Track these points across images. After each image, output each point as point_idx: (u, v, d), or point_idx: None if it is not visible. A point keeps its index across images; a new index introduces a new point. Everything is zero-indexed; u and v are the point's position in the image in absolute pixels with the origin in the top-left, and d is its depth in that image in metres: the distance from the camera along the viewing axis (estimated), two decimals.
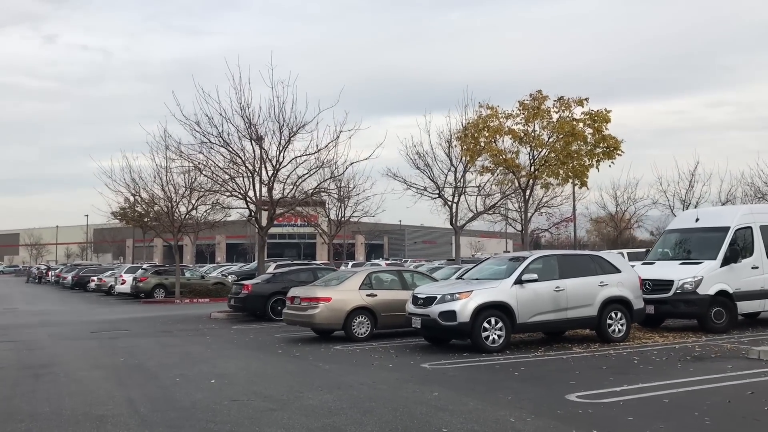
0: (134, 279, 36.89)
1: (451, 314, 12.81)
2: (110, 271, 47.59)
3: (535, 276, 13.33)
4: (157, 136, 24.35)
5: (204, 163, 23.68)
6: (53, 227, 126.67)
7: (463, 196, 28.31)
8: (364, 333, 15.30)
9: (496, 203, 29.34)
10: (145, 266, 42.79)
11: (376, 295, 15.55)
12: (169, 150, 24.14)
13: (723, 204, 35.24)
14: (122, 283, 38.66)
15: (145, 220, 39.81)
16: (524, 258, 13.94)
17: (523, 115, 18.52)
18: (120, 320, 22.95)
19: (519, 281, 13.29)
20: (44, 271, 72.08)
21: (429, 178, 27.82)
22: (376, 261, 65.12)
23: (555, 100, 18.35)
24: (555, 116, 18.41)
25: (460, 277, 14.87)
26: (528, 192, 19.37)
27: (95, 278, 46.03)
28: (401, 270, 17.17)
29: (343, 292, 15.40)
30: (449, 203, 27.90)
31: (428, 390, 9.29)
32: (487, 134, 18.37)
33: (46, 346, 15.95)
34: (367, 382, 10.03)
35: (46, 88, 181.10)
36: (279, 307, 19.76)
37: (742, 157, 74.92)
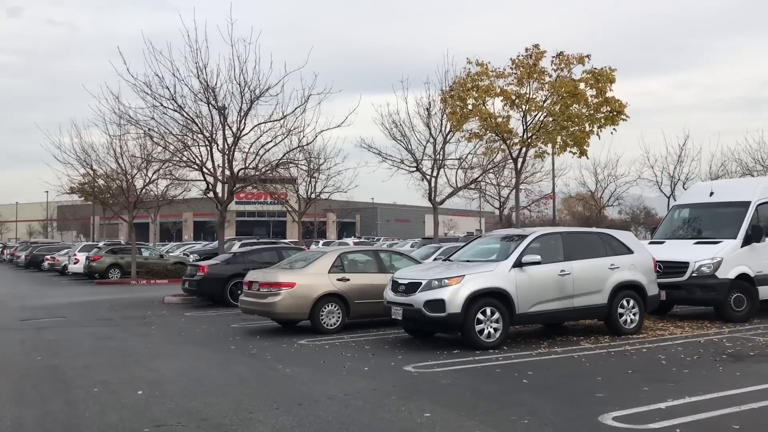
0: (87, 258, 34.22)
1: (438, 304, 10.64)
2: (66, 250, 44.73)
3: (537, 257, 11.21)
4: (110, 100, 21.56)
5: (155, 129, 21.08)
6: (13, 204, 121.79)
7: (442, 170, 26.15)
8: (335, 324, 13.10)
9: (480, 176, 27.25)
10: (100, 244, 40.07)
11: (348, 280, 13.33)
12: (118, 116, 21.36)
13: (713, 179, 33.57)
14: (75, 263, 35.99)
15: (106, 195, 36.97)
16: (524, 236, 11.80)
17: (515, 75, 16.28)
18: (61, 305, 20.45)
19: (518, 264, 11.16)
20: (0, 250, 68.70)
21: (406, 149, 25.60)
22: (345, 240, 62.31)
23: (554, 56, 16.11)
24: (551, 76, 16.18)
25: (447, 259, 12.68)
26: (520, 162, 17.23)
27: (49, 257, 43.22)
28: (377, 250, 14.93)
29: (309, 276, 13.15)
30: (427, 177, 25.71)
31: (416, 408, 7.12)
32: (476, 95, 16.11)
33: None
34: (338, 395, 7.83)
35: (11, 62, 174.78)
36: (238, 291, 17.37)
37: (709, 138, 74.29)
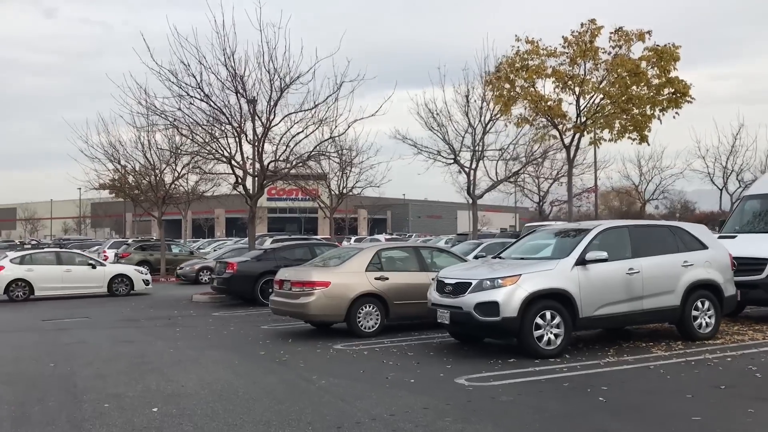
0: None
1: (492, 307, 9.42)
2: (96, 247, 44.43)
3: (604, 254, 9.91)
4: (135, 90, 20.68)
5: (182, 120, 20.14)
6: (48, 201, 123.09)
7: (481, 162, 24.87)
8: (373, 326, 11.95)
9: (523, 167, 25.85)
10: (129, 241, 39.55)
11: (387, 279, 12.17)
12: (144, 108, 20.45)
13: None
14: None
15: (136, 192, 36.31)
16: (586, 230, 10.50)
17: (567, 54, 14.90)
18: (85, 304, 19.66)
19: (582, 261, 9.88)
20: (34, 246, 69.12)
21: (443, 140, 24.34)
22: (376, 236, 60.66)
23: (612, 32, 14.68)
24: (606, 55, 14.76)
25: (497, 256, 11.42)
26: (573, 150, 15.84)
27: None
28: (418, 246, 13.74)
29: (345, 275, 12.02)
30: (465, 169, 24.44)
31: None
32: (525, 75, 14.78)
33: None
34: (383, 414, 6.68)
35: (47, 62, 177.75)
36: (270, 290, 16.35)
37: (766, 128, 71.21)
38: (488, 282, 9.60)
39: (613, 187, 49.01)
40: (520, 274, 9.59)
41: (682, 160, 38.52)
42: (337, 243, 24.22)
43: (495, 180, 26.01)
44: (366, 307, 11.91)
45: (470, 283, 9.75)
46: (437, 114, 23.77)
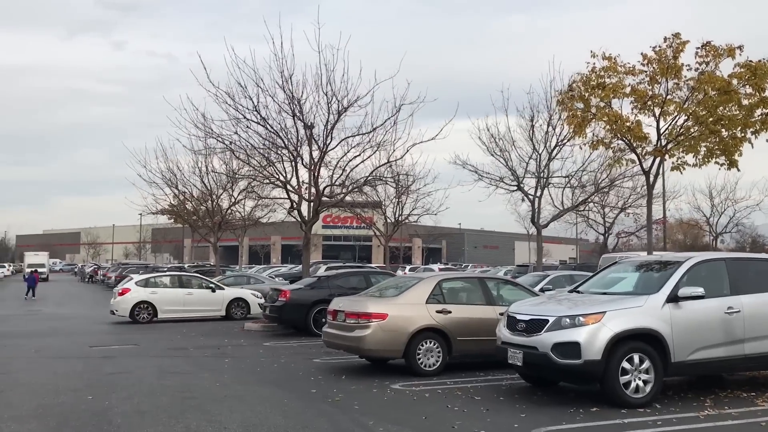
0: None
1: (572, 348, 8.32)
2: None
3: (700, 290, 8.72)
4: (191, 111, 20.32)
5: (238, 143, 19.69)
6: (110, 226, 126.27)
7: (546, 189, 23.69)
8: (434, 365, 10.93)
9: (594, 193, 24.49)
10: (186, 266, 39.51)
11: (450, 312, 11.16)
12: (200, 130, 20.07)
13: None
14: None
15: (194, 218, 36.29)
16: (678, 263, 9.32)
17: (647, 72, 13.75)
18: (137, 330, 19.22)
19: (674, 298, 8.72)
20: (94, 270, 70.45)
21: (506, 166, 23.29)
22: (429, 266, 58.78)
23: (698, 47, 13.48)
24: (689, 72, 13.56)
25: (574, 290, 10.30)
26: (652, 176, 14.59)
27: None
28: (483, 277, 12.68)
29: (404, 307, 11.07)
30: (530, 197, 23.29)
31: None
32: (602, 94, 13.69)
33: (13, 369, 12.18)
34: None
35: (114, 92, 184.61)
36: (323, 319, 15.54)
37: None
38: (568, 319, 8.51)
39: (683, 219, 46.83)
40: (605, 311, 8.48)
41: (759, 191, 36.18)
42: (392, 272, 23.29)
43: (561, 208, 24.74)
44: (426, 343, 10.92)
45: (547, 321, 8.68)
46: (500, 139, 22.80)
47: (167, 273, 24.25)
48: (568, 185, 23.74)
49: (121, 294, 21.75)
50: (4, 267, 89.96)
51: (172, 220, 48.36)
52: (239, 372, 11.58)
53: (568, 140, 20.70)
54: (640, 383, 8.38)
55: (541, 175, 22.77)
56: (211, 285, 22.66)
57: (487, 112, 28.16)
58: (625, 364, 8.34)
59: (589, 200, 25.79)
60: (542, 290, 16.80)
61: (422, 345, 10.88)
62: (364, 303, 11.25)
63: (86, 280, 70.28)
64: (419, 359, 10.84)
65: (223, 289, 22.57)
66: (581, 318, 8.46)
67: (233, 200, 31.04)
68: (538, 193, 23.18)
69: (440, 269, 46.31)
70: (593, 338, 8.29)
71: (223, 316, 21.92)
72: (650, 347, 8.47)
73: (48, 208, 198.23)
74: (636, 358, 8.39)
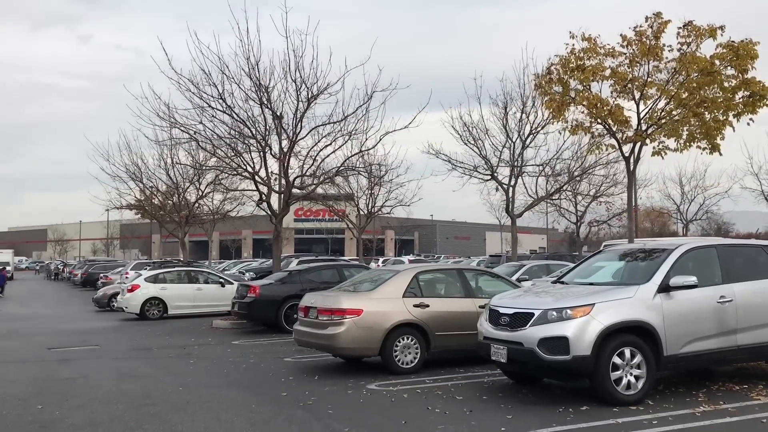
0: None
1: (559, 343, 7.80)
2: (120, 268, 43.42)
3: (692, 279, 8.26)
4: (152, 100, 19.30)
5: (203, 133, 18.86)
6: (77, 223, 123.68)
7: (520, 178, 23.27)
8: (412, 362, 10.37)
9: (570, 180, 24.13)
10: (152, 262, 38.42)
11: (427, 306, 10.60)
12: (161, 119, 19.15)
13: None
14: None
15: (161, 213, 35.28)
16: (668, 250, 8.85)
17: (627, 53, 13.25)
18: (100, 330, 18.38)
19: (665, 288, 8.24)
20: (60, 268, 68.82)
21: (479, 155, 22.81)
22: (400, 258, 57.41)
23: (680, 27, 13.00)
24: (671, 53, 13.11)
25: (558, 281, 9.79)
26: (632, 162, 14.15)
27: (103, 276, 41.94)
28: (462, 269, 12.12)
29: (379, 302, 10.47)
30: (504, 186, 22.84)
31: None
32: (581, 76, 13.17)
33: None
34: None
35: (80, 87, 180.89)
36: (295, 315, 14.89)
37: None
38: (554, 313, 7.98)
39: (654, 207, 46.92)
40: (593, 303, 7.97)
41: (728, 178, 36.29)
42: (366, 266, 22.69)
43: (536, 197, 24.36)
44: (404, 339, 10.35)
45: (532, 314, 8.14)
46: (473, 127, 22.31)
47: (177, 268, 23.26)
48: (542, 173, 23.34)
49: (131, 290, 21.15)
50: None
51: (139, 216, 47.23)
52: (205, 374, 10.90)
53: (545, 126, 20.29)
54: (632, 379, 7.90)
55: (515, 163, 22.35)
56: (221, 280, 22.06)
57: (461, 101, 27.62)
58: (616, 359, 7.85)
59: (563, 188, 25.45)
60: (519, 281, 16.35)
61: (399, 341, 10.31)
62: (337, 298, 10.61)
63: (52, 277, 68.64)
64: (396, 357, 10.27)
65: (233, 283, 21.81)
66: (569, 311, 7.94)
67: (200, 194, 30.21)
68: (512, 182, 22.75)
69: (410, 261, 45.54)
70: (582, 332, 7.77)
71: (228, 311, 20.98)
72: (642, 341, 7.99)
73: (14, 205, 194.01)
74: (627, 352, 7.90)
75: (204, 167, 23.85)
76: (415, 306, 10.51)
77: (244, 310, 16.92)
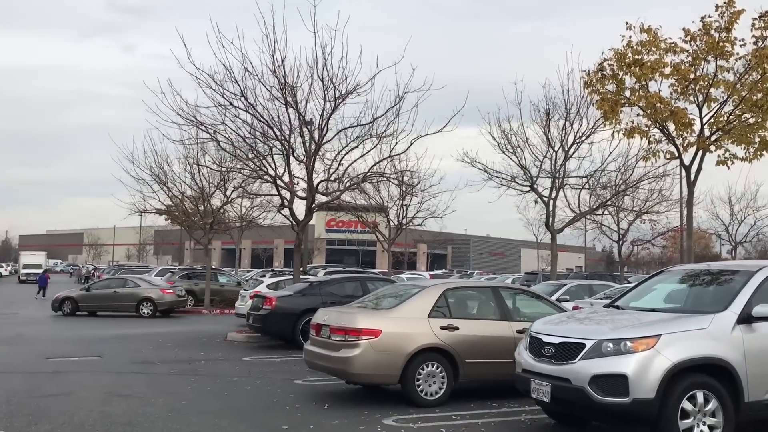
0: None
1: (617, 382, 6.38)
2: (146, 274, 42.83)
3: None
4: (169, 96, 18.12)
5: (224, 133, 17.78)
6: (111, 228, 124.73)
7: (561, 191, 21.75)
8: (437, 392, 8.99)
9: (613, 196, 22.52)
10: (176, 269, 37.71)
11: (457, 328, 9.22)
12: (181, 116, 18.06)
13: None
14: None
15: (193, 218, 34.42)
16: (748, 273, 7.34)
17: (689, 51, 11.75)
18: (108, 338, 17.35)
19: (746, 318, 6.77)
20: (91, 272, 68.89)
21: (517, 164, 21.37)
22: (420, 273, 52.48)
23: (756, 17, 11.43)
24: (742, 49, 11.55)
25: (612, 305, 8.33)
26: (694, 171, 12.55)
27: (97, 275, 41.55)
28: (497, 287, 10.71)
29: (402, 321, 9.12)
30: (544, 199, 21.35)
31: None
32: (639, 72, 11.68)
33: None
34: None
35: (123, 95, 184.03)
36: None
37: None
38: (611, 344, 6.56)
39: (700, 227, 44.69)
40: (659, 335, 6.53)
41: None
42: (393, 279, 21.36)
43: (577, 212, 22.78)
44: (428, 366, 8.98)
45: (583, 345, 6.73)
46: (512, 134, 20.89)
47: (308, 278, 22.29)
48: (586, 186, 21.78)
49: (253, 298, 20.12)
50: (1, 267, 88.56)
51: (169, 221, 46.60)
52: (202, 396, 9.66)
53: (590, 135, 18.81)
54: (705, 429, 6.43)
55: (557, 175, 20.85)
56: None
57: (500, 105, 26.18)
58: (686, 405, 6.40)
59: (608, 203, 23.78)
60: (558, 301, 14.86)
61: (423, 369, 8.95)
62: (353, 316, 9.28)
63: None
64: (419, 386, 8.90)
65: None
66: (628, 343, 6.51)
67: (226, 199, 29.19)
68: (553, 195, 21.24)
69: (431, 276, 42.48)
70: (645, 370, 6.35)
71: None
72: (717, 383, 6.53)
73: (54, 208, 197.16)
74: (700, 396, 6.45)
75: (226, 169, 22.78)
76: (443, 328, 9.14)
77: (258, 323, 15.71)
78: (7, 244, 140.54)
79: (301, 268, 19.65)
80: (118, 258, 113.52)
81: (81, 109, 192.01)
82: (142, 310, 25.10)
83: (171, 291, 26.19)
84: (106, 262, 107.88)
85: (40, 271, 64.84)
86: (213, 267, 33.63)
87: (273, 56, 17.01)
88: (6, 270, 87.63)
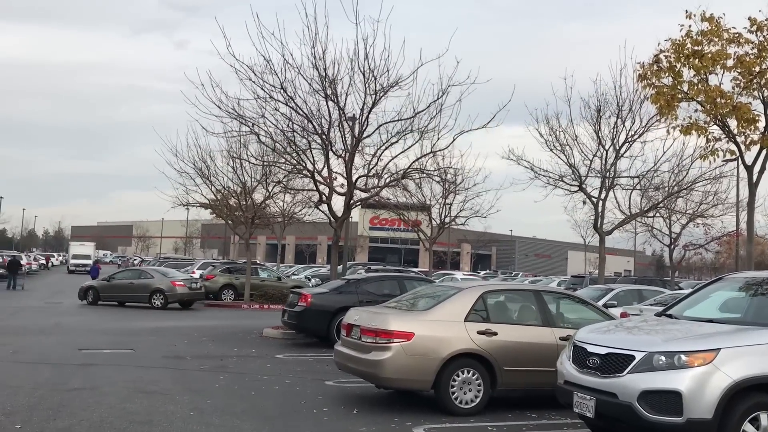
0: (201, 277, 31.71)
1: (669, 399, 5.77)
2: (188, 267, 43.18)
3: None
4: (209, 87, 17.87)
5: (263, 127, 17.53)
6: (160, 220, 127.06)
7: (611, 191, 20.91)
8: (472, 401, 8.46)
9: (667, 198, 21.58)
10: (217, 262, 37.86)
11: (495, 333, 8.67)
12: (221, 109, 17.84)
13: None
14: None
15: (235, 213, 34.47)
16: None
17: (754, 43, 10.92)
18: (144, 331, 17.30)
19: None
20: (137, 263, 70.14)
21: (566, 163, 20.60)
22: (451, 273, 45.57)
23: None
24: None
25: (664, 313, 7.68)
26: (757, 171, 11.72)
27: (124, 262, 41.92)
28: (540, 290, 10.11)
29: (436, 324, 8.62)
30: (593, 199, 20.54)
31: None
32: (699, 64, 10.91)
33: None
34: None
35: (174, 90, 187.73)
36: None
37: None
38: (663, 357, 5.95)
39: (757, 233, 42.85)
40: (718, 349, 5.89)
41: None
42: (432, 279, 20.83)
43: (628, 213, 21.89)
44: (463, 373, 8.46)
45: (632, 357, 6.13)
46: (561, 131, 20.12)
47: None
48: (638, 187, 20.88)
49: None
50: (53, 256, 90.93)
51: (214, 216, 46.89)
52: (229, 395, 9.33)
53: (644, 133, 17.94)
54: None
55: (607, 174, 20.02)
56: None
57: (548, 101, 25.32)
58: (748, 428, 5.76)
59: (660, 205, 22.79)
60: (605, 307, 14.14)
61: (458, 375, 8.43)
62: (384, 317, 8.81)
63: None
64: (453, 394, 8.39)
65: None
66: (683, 356, 5.89)
67: (268, 194, 29.06)
68: (603, 195, 20.42)
69: (463, 277, 39.49)
70: (701, 387, 5.72)
71: None
72: None
73: (106, 201, 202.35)
74: (764, 419, 5.79)
75: (265, 163, 22.55)
76: (480, 333, 8.60)
77: (293, 320, 15.40)
78: (60, 234, 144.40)
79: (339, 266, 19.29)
80: (166, 250, 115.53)
81: (132, 105, 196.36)
82: (153, 301, 25.23)
83: (182, 283, 26.23)
84: (154, 254, 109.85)
85: (89, 261, 66.39)
86: (255, 262, 33.60)
87: (313, 48, 16.71)
88: (58, 260, 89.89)
